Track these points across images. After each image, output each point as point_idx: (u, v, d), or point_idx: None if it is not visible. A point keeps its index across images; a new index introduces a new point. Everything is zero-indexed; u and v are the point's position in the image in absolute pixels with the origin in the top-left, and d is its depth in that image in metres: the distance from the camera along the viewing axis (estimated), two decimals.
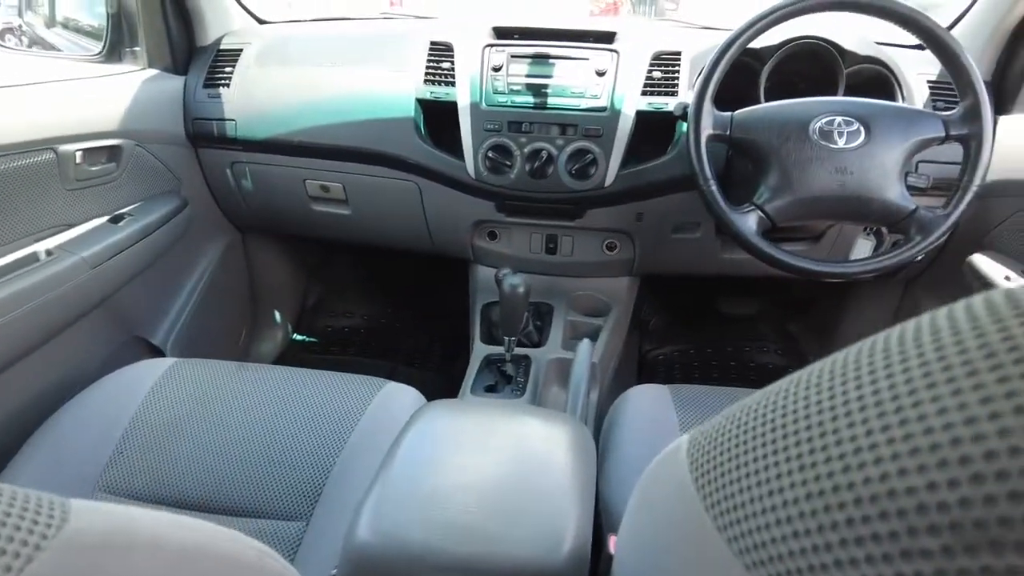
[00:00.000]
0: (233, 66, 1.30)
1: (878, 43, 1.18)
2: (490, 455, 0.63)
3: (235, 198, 1.40)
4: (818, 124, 0.93)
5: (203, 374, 0.95)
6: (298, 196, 1.35)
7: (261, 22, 1.45)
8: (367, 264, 1.92)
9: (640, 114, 1.13)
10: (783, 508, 0.23)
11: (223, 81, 1.29)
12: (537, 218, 1.25)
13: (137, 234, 1.16)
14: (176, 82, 1.31)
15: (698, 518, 0.29)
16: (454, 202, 1.25)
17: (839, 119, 0.93)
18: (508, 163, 1.15)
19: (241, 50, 1.31)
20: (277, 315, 1.73)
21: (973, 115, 0.92)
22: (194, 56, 1.34)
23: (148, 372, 0.96)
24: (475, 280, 1.40)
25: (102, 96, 1.15)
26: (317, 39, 1.33)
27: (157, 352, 1.32)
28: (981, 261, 1.12)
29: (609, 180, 1.15)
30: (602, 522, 0.78)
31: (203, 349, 1.43)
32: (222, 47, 1.33)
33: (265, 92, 1.27)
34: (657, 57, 1.16)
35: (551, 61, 1.17)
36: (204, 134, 1.30)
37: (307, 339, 1.77)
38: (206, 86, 1.30)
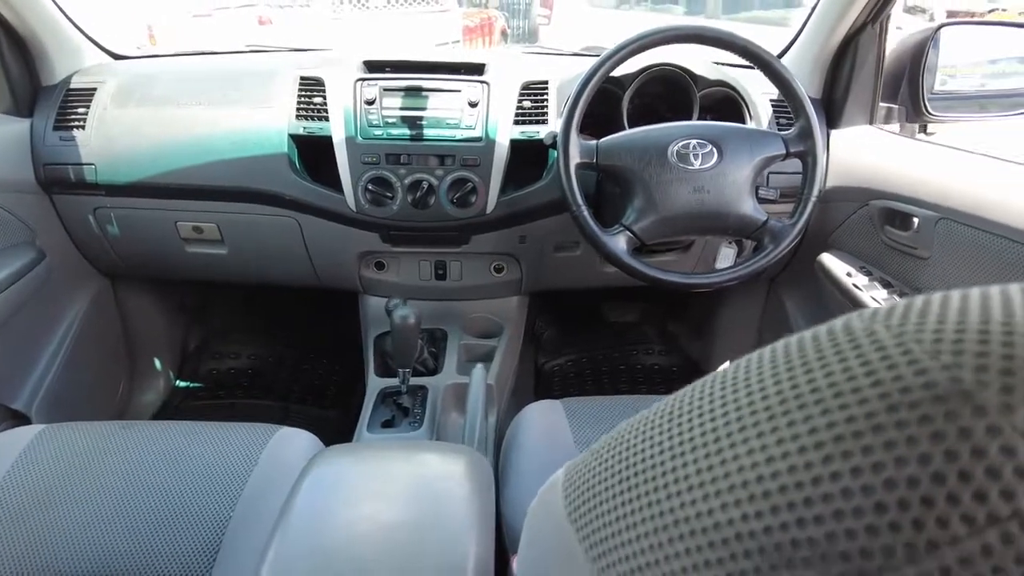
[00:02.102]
0: (87, 106, 1.22)
1: (726, 64, 1.29)
2: (386, 501, 0.64)
3: (100, 245, 1.31)
4: (675, 148, 1.00)
5: (77, 439, 0.89)
6: (170, 239, 1.28)
7: (116, 57, 1.37)
8: (250, 302, 1.85)
9: (514, 142, 1.17)
10: (642, 539, 0.26)
11: (77, 123, 1.21)
12: (423, 246, 1.27)
13: None
14: (20, 125, 1.21)
15: (572, 550, 0.32)
16: (337, 235, 1.24)
17: (694, 142, 1.01)
18: (389, 195, 1.16)
19: (95, 89, 1.24)
20: (157, 363, 1.63)
21: (806, 134, 1.02)
22: (39, 96, 1.25)
23: (11, 442, 0.88)
24: (365, 311, 1.39)
25: None
26: (180, 76, 1.28)
27: (21, 418, 1.21)
28: (828, 260, 1.24)
29: (490, 207, 1.18)
30: (506, 545, 0.80)
31: (75, 408, 1.33)
32: (72, 86, 1.24)
33: (126, 133, 1.20)
34: (526, 87, 1.20)
35: (424, 93, 1.18)
36: (59, 180, 1.22)
37: (192, 385, 1.68)
38: (57, 128, 1.21)
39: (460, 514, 0.63)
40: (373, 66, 1.24)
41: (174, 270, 1.38)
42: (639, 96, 1.20)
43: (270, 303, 1.84)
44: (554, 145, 1.05)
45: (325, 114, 1.17)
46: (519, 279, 1.34)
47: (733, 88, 1.22)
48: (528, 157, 1.19)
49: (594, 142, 1.02)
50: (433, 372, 1.26)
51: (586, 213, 0.99)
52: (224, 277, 1.39)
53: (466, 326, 1.37)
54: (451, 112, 1.17)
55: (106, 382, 1.49)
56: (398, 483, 0.67)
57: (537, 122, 1.18)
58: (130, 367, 1.57)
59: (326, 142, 1.17)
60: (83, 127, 1.21)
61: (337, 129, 1.16)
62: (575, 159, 1.00)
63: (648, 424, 0.29)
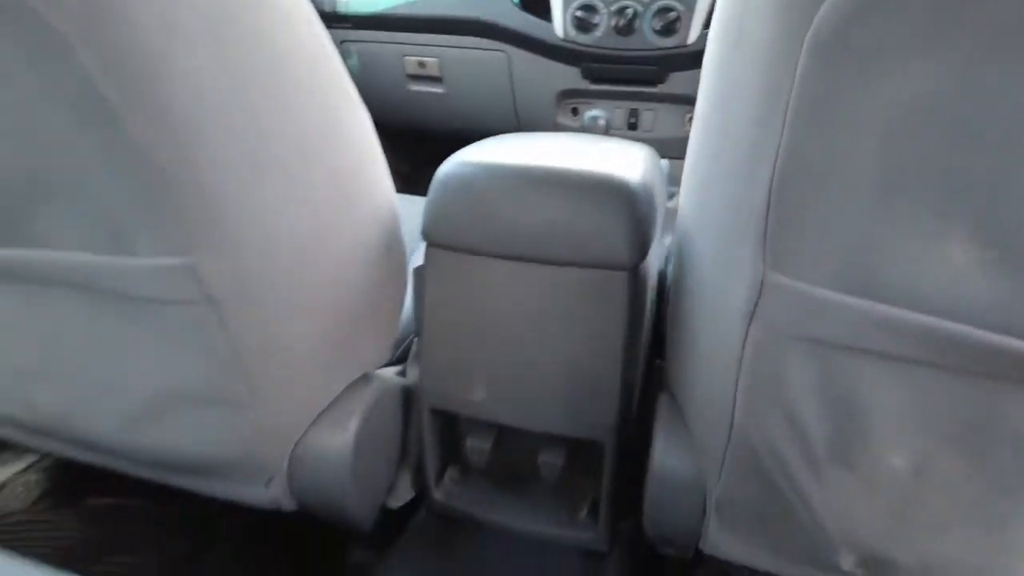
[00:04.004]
0: None
1: None
2: (561, 143, 0.68)
3: None
4: None
5: None
6: (397, 75, 1.45)
7: None
8: None
9: None
10: None
11: None
12: (620, 84, 1.30)
13: None
14: None
15: None
16: (541, 70, 1.31)
17: None
18: (595, 21, 1.21)
19: None
20: None
21: None
22: None
23: None
24: None
25: None
26: None
27: None
28: None
29: (692, 37, 1.19)
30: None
31: None
32: None
33: None
34: None
35: None
36: (317, 12, 1.43)
37: None
38: None
39: (639, 166, 0.65)
40: None
41: (398, 110, 1.54)
42: None
43: None
44: None
45: None
46: None
47: None
48: None
49: None
50: None
51: None
52: (437, 120, 1.53)
53: None
54: None
55: None
56: (574, 140, 0.71)
57: None
58: None
59: None
60: None
61: None
62: None
63: None
